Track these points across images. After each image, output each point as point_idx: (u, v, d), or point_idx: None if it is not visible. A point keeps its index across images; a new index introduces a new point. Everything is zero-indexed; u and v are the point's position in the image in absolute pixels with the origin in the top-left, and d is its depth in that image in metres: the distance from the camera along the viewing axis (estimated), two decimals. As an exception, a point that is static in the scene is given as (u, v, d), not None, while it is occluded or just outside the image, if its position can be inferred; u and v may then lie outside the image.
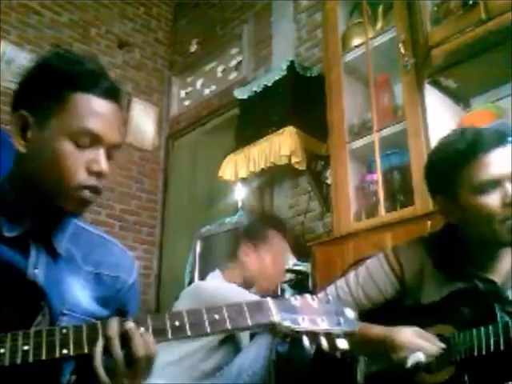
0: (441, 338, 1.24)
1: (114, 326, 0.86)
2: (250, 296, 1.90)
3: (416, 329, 1.25)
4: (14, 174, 1.03)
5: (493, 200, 1.25)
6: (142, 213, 4.39)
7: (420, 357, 1.18)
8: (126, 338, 0.85)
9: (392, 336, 1.24)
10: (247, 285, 1.96)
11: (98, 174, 0.99)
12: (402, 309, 1.34)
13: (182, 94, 4.80)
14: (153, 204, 4.49)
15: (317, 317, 0.95)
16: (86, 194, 0.98)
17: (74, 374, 0.98)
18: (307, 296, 0.98)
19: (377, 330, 1.28)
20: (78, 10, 4.39)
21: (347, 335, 0.95)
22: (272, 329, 0.93)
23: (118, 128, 1.03)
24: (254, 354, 1.61)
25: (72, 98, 0.98)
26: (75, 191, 0.97)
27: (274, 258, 2.00)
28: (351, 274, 1.43)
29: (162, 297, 4.12)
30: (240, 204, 3.41)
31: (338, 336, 0.94)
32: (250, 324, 0.91)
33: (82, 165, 0.97)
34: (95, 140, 0.98)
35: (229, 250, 2.35)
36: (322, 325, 0.94)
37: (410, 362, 1.18)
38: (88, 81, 1.00)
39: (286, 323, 0.92)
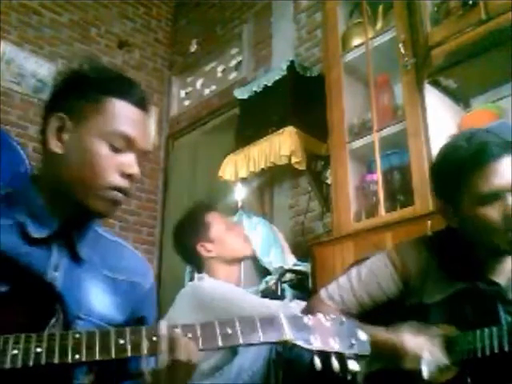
0: (444, 338, 1.24)
1: (163, 329, 0.87)
2: (248, 295, 1.91)
3: (413, 326, 1.23)
4: (43, 174, 1.05)
5: (494, 212, 1.24)
6: (142, 213, 4.39)
7: (430, 363, 1.17)
8: (172, 343, 0.86)
9: (401, 350, 1.21)
10: (234, 264, 2.01)
11: (130, 177, 1.01)
12: (405, 308, 1.33)
13: (182, 94, 4.80)
14: (153, 204, 4.49)
15: (329, 337, 0.94)
16: (116, 194, 1.01)
17: (87, 378, 0.98)
18: (320, 316, 0.97)
19: (383, 339, 1.25)
20: (78, 10, 4.39)
21: (359, 357, 0.95)
22: (283, 345, 0.93)
23: (148, 136, 1.06)
24: (253, 353, 1.61)
25: (108, 102, 1.01)
26: (106, 191, 0.99)
27: (221, 228, 2.03)
28: (353, 273, 1.41)
29: (161, 297, 4.10)
30: (240, 204, 3.40)
31: (350, 357, 0.94)
32: (262, 340, 0.91)
33: (115, 167, 1.00)
34: (128, 144, 1.02)
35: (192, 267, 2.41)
36: (334, 345, 0.93)
37: (425, 374, 1.17)
38: (124, 88, 1.04)
39: (298, 342, 0.92)
